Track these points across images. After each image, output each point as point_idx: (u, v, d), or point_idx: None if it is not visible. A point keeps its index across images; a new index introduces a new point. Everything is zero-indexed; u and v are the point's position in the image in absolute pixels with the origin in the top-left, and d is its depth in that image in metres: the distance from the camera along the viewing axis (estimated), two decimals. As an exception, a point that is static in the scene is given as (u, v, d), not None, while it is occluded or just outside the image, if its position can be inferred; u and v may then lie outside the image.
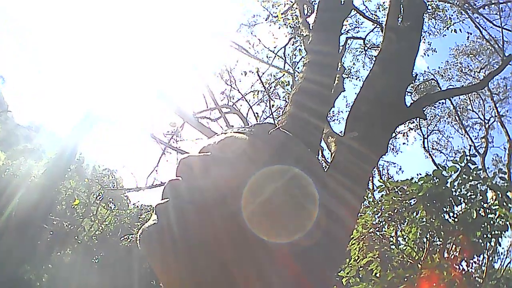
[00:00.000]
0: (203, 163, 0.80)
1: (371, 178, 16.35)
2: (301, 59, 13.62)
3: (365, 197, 6.63)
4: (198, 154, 0.84)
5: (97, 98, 16.99)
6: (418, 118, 17.90)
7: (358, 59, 17.33)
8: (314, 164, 0.90)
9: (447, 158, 20.44)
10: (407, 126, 18.70)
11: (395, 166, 24.37)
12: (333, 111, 16.35)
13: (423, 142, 20.14)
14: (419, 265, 5.76)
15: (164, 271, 0.74)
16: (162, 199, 0.77)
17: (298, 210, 0.79)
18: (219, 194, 0.74)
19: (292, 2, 14.10)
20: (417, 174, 6.15)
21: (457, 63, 20.68)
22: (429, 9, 14.61)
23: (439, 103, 18.99)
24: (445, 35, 15.92)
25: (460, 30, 14.88)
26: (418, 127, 19.24)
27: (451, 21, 14.95)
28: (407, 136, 19.16)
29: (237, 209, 0.73)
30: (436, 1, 14.50)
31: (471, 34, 15.45)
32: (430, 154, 20.23)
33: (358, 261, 6.35)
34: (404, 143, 27.14)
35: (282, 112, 5.16)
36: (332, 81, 5.59)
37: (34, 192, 16.85)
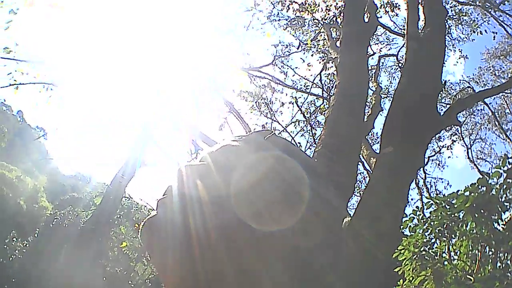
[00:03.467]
0: (196, 171, 0.81)
1: (420, 196, 16.05)
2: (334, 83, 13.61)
3: (414, 215, 6.49)
4: (196, 164, 0.85)
5: (138, 142, 17.05)
6: (460, 129, 17.73)
7: (394, 77, 17.10)
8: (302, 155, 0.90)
9: (492, 165, 19.91)
10: (450, 138, 18.36)
11: (442, 182, 23.87)
12: (376, 133, 16.15)
13: (467, 152, 19.72)
14: (472, 278, 5.55)
15: (162, 262, 0.75)
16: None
17: (288, 196, 0.78)
18: (210, 195, 0.76)
19: (320, 27, 14.15)
20: (465, 186, 5.95)
21: (489, 67, 20.29)
22: (454, 15, 14.51)
23: (478, 110, 18.69)
24: (474, 39, 15.74)
25: (485, 31, 14.71)
26: (461, 138, 18.83)
27: (476, 23, 14.78)
28: (451, 149, 18.77)
29: (226, 207, 0.73)
30: (457, 6, 14.38)
31: (496, 33, 15.14)
32: (475, 164, 19.74)
33: (412, 281, 6.16)
34: (449, 157, 26.56)
35: (319, 138, 5.14)
36: (363, 100, 5.52)
37: (81, 239, 17.07)
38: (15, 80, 13.49)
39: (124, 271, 19.67)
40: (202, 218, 0.72)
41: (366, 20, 6.80)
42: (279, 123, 15.46)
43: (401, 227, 4.50)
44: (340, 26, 10.50)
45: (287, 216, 0.75)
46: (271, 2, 14.75)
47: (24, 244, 24.12)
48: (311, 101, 15.78)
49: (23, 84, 13.75)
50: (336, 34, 12.58)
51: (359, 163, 12.45)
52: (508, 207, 5.65)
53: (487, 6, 13.91)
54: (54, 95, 14.46)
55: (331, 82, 14.74)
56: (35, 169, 42.18)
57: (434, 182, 18.71)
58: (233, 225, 0.72)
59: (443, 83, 4.76)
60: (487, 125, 20.11)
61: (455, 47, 16.07)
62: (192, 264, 0.71)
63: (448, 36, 14.85)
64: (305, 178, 0.80)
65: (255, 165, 0.79)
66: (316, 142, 14.11)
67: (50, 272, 17.84)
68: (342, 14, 10.13)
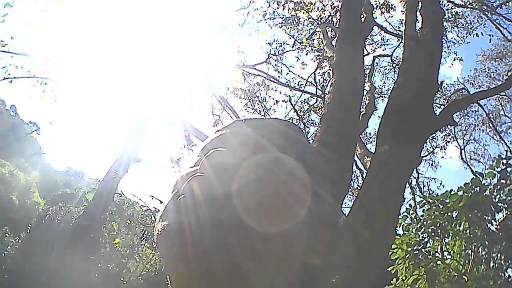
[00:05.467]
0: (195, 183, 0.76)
1: (413, 196, 16.11)
2: (329, 82, 13.61)
3: (407, 214, 6.52)
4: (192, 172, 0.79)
5: (131, 138, 17.00)
6: (454, 130, 17.80)
7: (388, 77, 17.13)
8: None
9: (485, 166, 19.99)
10: (444, 139, 18.43)
11: (435, 182, 23.94)
12: (369, 132, 16.20)
13: (461, 153, 19.80)
14: (465, 278, 5.59)
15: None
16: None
17: (286, 195, 0.75)
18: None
19: (315, 26, 14.17)
20: (458, 187, 5.99)
21: (485, 69, 20.40)
22: (450, 17, 14.57)
23: (472, 111, 18.77)
24: (469, 42, 15.75)
25: (481, 33, 14.79)
26: (455, 138, 18.91)
27: (471, 26, 14.85)
28: (445, 149, 18.84)
29: (221, 206, 0.71)
30: (454, 8, 14.44)
31: (492, 36, 15.22)
32: (468, 165, 19.83)
33: (405, 280, 6.18)
34: (442, 157, 26.66)
35: (313, 136, 5.13)
36: (359, 98, 5.53)
37: (73, 235, 17.02)
38: (9, 74, 13.37)
39: (116, 268, 19.67)
40: (196, 221, 0.70)
41: (363, 20, 6.81)
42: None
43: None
44: (336, 26, 10.52)
45: (285, 218, 0.74)
46: (267, 0, 14.73)
47: (17, 240, 24.06)
48: (304, 99, 15.88)
49: (17, 78, 13.63)
50: (331, 33, 12.60)
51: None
52: (501, 207, 5.72)
53: (484, 9, 13.97)
54: (48, 90, 14.36)
55: (325, 81, 14.78)
56: (27, 164, 42.05)
57: (427, 182, 18.80)
58: (227, 225, 0.70)
59: (439, 83, 4.78)
60: (481, 126, 20.22)
61: (450, 49, 16.21)
62: (186, 263, 0.70)
63: (444, 38, 14.91)
64: (306, 179, 0.78)
65: (252, 166, 0.76)
66: (309, 140, 14.11)
67: (42, 268, 17.79)
68: (338, 13, 10.15)
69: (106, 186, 17.48)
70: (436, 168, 19.64)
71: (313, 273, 0.79)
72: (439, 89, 4.95)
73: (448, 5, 14.16)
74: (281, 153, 0.80)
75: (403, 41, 5.60)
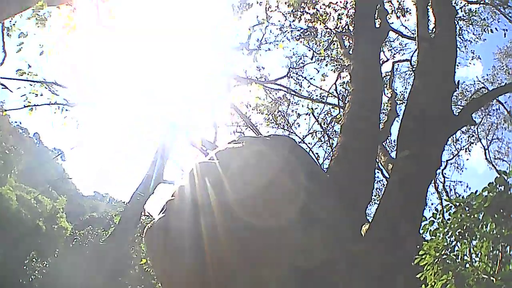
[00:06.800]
0: (206, 171, 0.79)
1: (440, 200, 15.92)
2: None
3: (434, 219, 6.43)
4: (209, 161, 0.83)
5: (156, 159, 17.10)
6: (477, 130, 17.60)
7: (408, 82, 16.97)
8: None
9: (509, 165, 19.66)
10: (468, 141, 18.22)
11: (462, 185, 23.66)
12: (392, 139, 16.11)
13: (485, 153, 19.54)
14: (493, 279, 5.49)
15: (168, 269, 0.72)
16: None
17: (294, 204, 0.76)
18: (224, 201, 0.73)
19: (332, 36, 14.14)
20: (483, 188, 5.91)
21: (503, 66, 20.16)
22: (464, 16, 14.45)
23: (493, 110, 18.48)
24: (485, 39, 15.61)
25: (496, 29, 14.62)
26: (478, 139, 18.68)
27: (485, 22, 14.72)
28: (469, 151, 18.62)
29: (237, 211, 0.72)
30: (467, 5, 14.33)
31: (507, 30, 15.02)
32: (493, 165, 19.54)
33: (434, 286, 6.08)
34: (467, 159, 26.33)
35: (335, 147, 5.10)
36: (378, 105, 5.49)
37: (100, 258, 17.10)
38: (29, 102, 13.56)
39: (146, 289, 19.70)
40: (212, 222, 0.70)
41: (378, 25, 6.79)
42: (296, 135, 15.43)
43: (421, 231, 4.46)
44: (352, 34, 10.49)
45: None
46: (283, 14, 14.74)
47: (44, 264, 24.23)
48: (327, 111, 15.76)
49: (37, 105, 13.81)
50: (348, 42, 12.57)
51: (378, 170, 12.40)
52: (527, 205, 5.61)
53: (496, 3, 13.83)
54: (69, 115, 14.51)
55: (346, 91, 14.68)
56: (53, 190, 42.46)
57: (454, 186, 18.56)
58: (245, 230, 0.71)
59: (456, 83, 4.72)
60: (503, 125, 19.94)
61: (467, 48, 16.01)
62: (202, 270, 0.69)
63: (460, 37, 14.78)
64: (299, 175, 0.79)
65: (261, 170, 0.77)
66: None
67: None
68: (353, 22, 10.13)
69: (132, 208, 17.56)
70: (462, 171, 19.41)
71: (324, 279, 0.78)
72: (456, 89, 4.88)
73: (461, 2, 14.07)
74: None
75: (416, 43, 5.56)
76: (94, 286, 16.00)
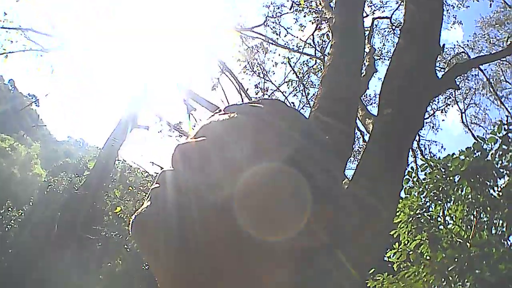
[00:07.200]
0: (199, 152, 0.73)
1: (414, 158, 16.09)
2: (329, 43, 13.51)
3: (409, 177, 6.47)
4: (195, 140, 0.76)
5: (130, 104, 16.97)
6: (454, 93, 17.69)
7: (387, 39, 17.07)
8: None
9: (486, 131, 19.95)
10: (444, 102, 18.37)
11: (436, 145, 23.92)
12: (369, 94, 16.19)
13: (462, 117, 19.75)
14: (468, 244, 5.57)
15: (157, 264, 0.69)
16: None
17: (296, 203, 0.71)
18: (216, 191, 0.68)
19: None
20: (459, 150, 5.95)
21: (484, 34, 20.25)
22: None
23: (473, 75, 18.69)
24: (469, 6, 15.86)
25: (482, -2, 14.70)
26: (455, 101, 18.84)
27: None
28: (446, 112, 18.80)
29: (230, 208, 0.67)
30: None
31: (493, 1, 15.07)
32: (469, 129, 19.80)
33: (407, 245, 6.16)
34: (443, 120, 26.69)
35: (314, 99, 5.10)
36: (359, 60, 5.47)
37: (76, 204, 17.10)
38: (4, 49, 13.62)
39: (119, 235, 19.70)
40: (200, 214, 0.66)
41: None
42: (272, 83, 15.47)
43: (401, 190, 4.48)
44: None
45: (293, 224, 0.70)
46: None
47: (20, 213, 24.14)
48: (304, 61, 15.79)
49: (12, 52, 13.78)
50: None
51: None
52: (503, 173, 5.67)
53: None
54: (44, 61, 14.45)
55: (324, 42, 14.65)
56: (28, 136, 42.11)
57: (428, 145, 18.77)
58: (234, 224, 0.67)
59: (441, 46, 4.68)
60: (482, 91, 20.16)
61: (449, 13, 16.22)
62: (188, 265, 0.66)
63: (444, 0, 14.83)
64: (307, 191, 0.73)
65: (260, 171, 0.71)
66: (309, 102, 14.17)
67: (45, 240, 17.90)
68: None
69: (106, 153, 17.49)
70: (437, 131, 19.63)
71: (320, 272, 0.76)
72: (441, 51, 4.84)
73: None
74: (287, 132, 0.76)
75: (404, 2, 5.49)
76: (69, 234, 16.03)
